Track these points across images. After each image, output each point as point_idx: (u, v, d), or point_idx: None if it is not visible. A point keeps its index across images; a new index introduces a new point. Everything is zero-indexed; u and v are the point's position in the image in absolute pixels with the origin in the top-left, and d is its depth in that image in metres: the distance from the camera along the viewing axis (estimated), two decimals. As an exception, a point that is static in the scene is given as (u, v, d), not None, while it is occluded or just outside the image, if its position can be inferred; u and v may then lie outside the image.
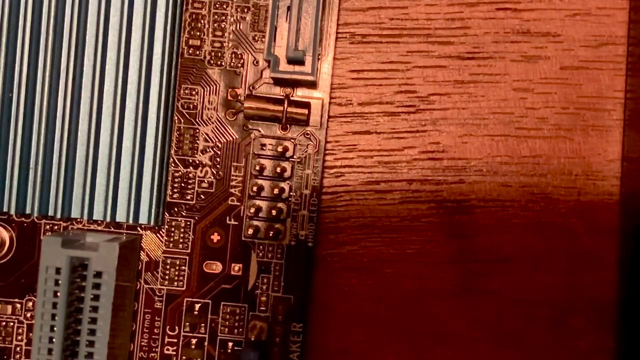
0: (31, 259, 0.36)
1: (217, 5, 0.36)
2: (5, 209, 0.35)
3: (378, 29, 0.36)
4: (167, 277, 0.36)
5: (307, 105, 0.35)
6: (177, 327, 0.36)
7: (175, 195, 0.36)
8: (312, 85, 0.35)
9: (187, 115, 0.36)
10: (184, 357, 0.36)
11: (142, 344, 0.36)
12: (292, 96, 0.36)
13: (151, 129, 0.35)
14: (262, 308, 0.36)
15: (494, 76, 0.36)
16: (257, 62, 0.36)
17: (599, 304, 0.36)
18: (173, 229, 0.36)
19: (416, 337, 0.36)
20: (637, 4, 0.36)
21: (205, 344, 0.36)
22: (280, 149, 0.35)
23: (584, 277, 0.36)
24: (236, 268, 0.36)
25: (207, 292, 0.36)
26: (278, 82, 0.35)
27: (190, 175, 0.36)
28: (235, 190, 0.36)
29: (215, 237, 0.36)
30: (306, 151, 0.36)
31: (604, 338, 0.36)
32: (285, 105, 0.35)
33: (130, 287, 0.35)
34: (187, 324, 0.36)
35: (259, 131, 0.36)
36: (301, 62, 0.34)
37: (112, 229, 0.36)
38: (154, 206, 0.35)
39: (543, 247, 0.36)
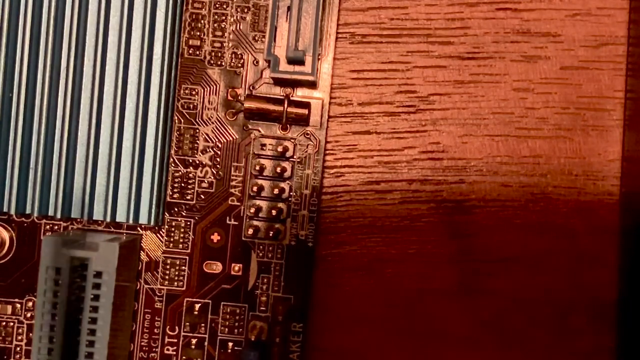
0: (31, 259, 0.36)
1: (217, 5, 0.36)
2: (5, 209, 0.35)
3: (378, 29, 0.36)
4: (167, 277, 0.36)
5: (307, 105, 0.35)
6: (177, 327, 0.36)
7: (175, 195, 0.36)
8: (312, 85, 0.35)
9: (187, 115, 0.36)
10: (184, 357, 0.36)
11: (142, 344, 0.36)
12: (292, 96, 0.36)
13: (151, 129, 0.35)
14: (262, 308, 0.36)
15: (494, 76, 0.36)
16: (257, 62, 0.36)
17: (599, 304, 0.36)
18: (173, 229, 0.36)
19: (416, 337, 0.36)
20: (637, 4, 0.36)
21: (205, 344, 0.36)
22: (280, 149, 0.35)
23: (584, 277, 0.36)
24: (236, 268, 0.36)
25: (207, 292, 0.36)
26: (278, 82, 0.35)
27: (190, 175, 0.36)
28: (235, 190, 0.36)
29: (215, 237, 0.36)
30: (306, 151, 0.36)
31: (604, 338, 0.36)
32: (285, 105, 0.35)
33: (130, 287, 0.35)
34: (187, 324, 0.36)
35: (259, 131, 0.36)
36: (301, 62, 0.34)
37: (112, 229, 0.36)
38: (154, 206, 0.35)
39: (543, 247, 0.36)
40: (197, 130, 0.36)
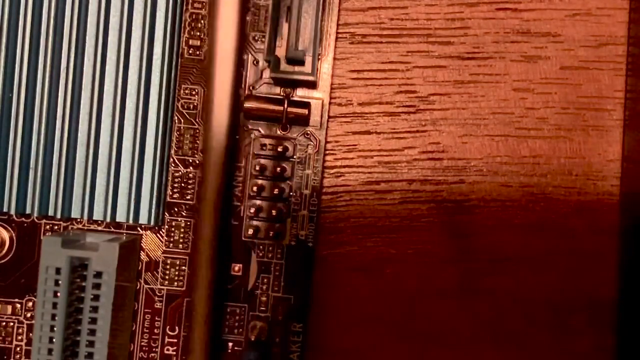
0: (31, 259, 0.36)
1: (217, 5, 0.36)
2: (5, 209, 0.35)
3: (378, 29, 0.36)
4: (167, 277, 0.36)
5: (307, 105, 0.35)
6: (177, 327, 0.36)
7: (175, 195, 0.36)
8: (312, 85, 0.35)
9: (187, 115, 0.36)
10: (184, 357, 0.36)
11: (142, 344, 0.36)
12: (292, 96, 0.36)
13: (151, 129, 0.35)
14: (262, 308, 0.36)
15: (494, 76, 0.36)
16: (257, 62, 0.36)
17: (599, 304, 0.36)
18: (173, 229, 0.36)
19: (416, 337, 0.36)
20: (637, 4, 0.36)
21: (205, 344, 0.36)
22: (280, 149, 0.35)
23: (584, 277, 0.36)
24: (236, 268, 0.36)
25: (207, 292, 0.36)
26: (278, 82, 0.35)
27: (190, 175, 0.36)
28: (235, 190, 0.36)
29: (215, 237, 0.36)
30: (306, 151, 0.36)
31: (604, 338, 0.36)
32: (285, 105, 0.35)
33: (130, 287, 0.35)
34: (187, 324, 0.36)
35: (259, 131, 0.36)
36: (301, 62, 0.34)
37: (112, 229, 0.36)
38: (154, 206, 0.35)
39: (543, 247, 0.36)
40: (197, 130, 0.36)
